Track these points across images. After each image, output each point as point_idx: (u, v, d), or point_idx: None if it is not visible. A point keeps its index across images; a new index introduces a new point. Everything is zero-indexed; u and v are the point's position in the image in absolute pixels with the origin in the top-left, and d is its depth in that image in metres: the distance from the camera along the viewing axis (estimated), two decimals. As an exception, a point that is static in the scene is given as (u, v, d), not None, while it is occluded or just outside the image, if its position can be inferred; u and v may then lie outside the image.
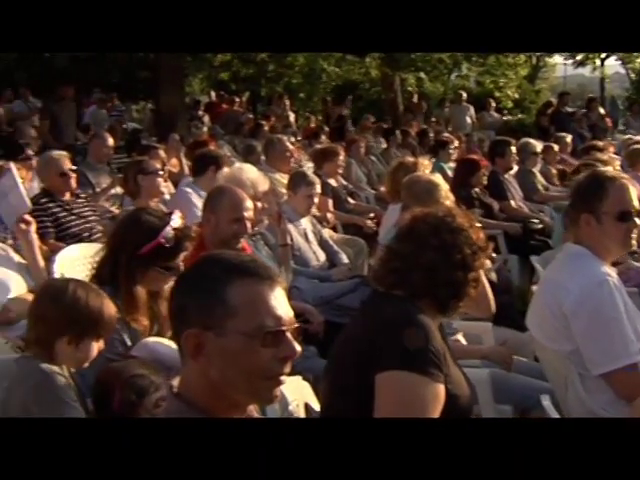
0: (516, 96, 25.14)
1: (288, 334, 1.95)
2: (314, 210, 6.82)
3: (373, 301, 3.00)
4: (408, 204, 4.95)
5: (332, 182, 8.95)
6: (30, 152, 8.44)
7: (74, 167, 6.48)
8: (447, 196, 4.99)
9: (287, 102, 19.54)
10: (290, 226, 6.06)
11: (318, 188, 6.67)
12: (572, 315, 3.45)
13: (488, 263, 3.01)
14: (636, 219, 3.58)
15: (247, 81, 24.91)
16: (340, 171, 9.36)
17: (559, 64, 37.00)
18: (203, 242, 4.34)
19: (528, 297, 4.60)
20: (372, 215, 8.82)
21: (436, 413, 2.60)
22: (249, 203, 4.57)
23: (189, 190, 6.79)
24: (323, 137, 13.54)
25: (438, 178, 5.37)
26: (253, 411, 2.11)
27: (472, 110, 19.09)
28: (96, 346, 3.01)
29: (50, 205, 6.09)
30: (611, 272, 3.55)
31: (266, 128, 13.01)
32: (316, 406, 3.29)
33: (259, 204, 5.16)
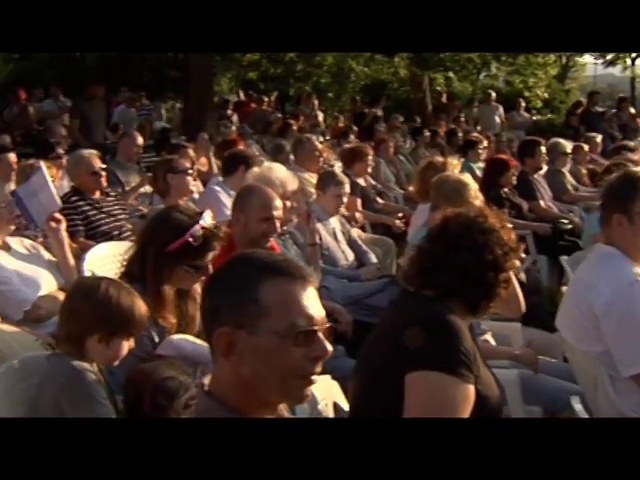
0: (546, 96, 25.02)
1: (320, 334, 1.95)
2: (343, 210, 6.81)
3: (403, 301, 3.00)
4: (437, 204, 4.95)
5: (361, 182, 8.93)
6: (60, 151, 8.51)
7: (104, 166, 6.51)
8: (476, 195, 4.97)
9: (315, 101, 19.50)
10: (319, 225, 6.06)
11: (347, 188, 6.66)
12: (602, 316, 3.43)
13: (518, 263, 2.99)
14: (669, 219, 3.54)
15: (276, 80, 24.94)
16: (369, 171, 9.36)
17: (589, 63, 36.68)
18: (232, 241, 4.33)
19: (557, 298, 4.58)
20: (401, 215, 8.80)
21: (466, 414, 2.59)
22: (278, 202, 4.57)
23: (218, 189, 6.80)
24: (352, 137, 13.50)
25: (467, 177, 5.36)
26: (283, 410, 2.11)
27: (501, 110, 19.03)
28: (126, 345, 3.02)
29: (80, 203, 6.11)
30: (642, 273, 3.53)
31: (294, 127, 12.99)
32: (345, 405, 3.29)
33: (288, 203, 5.17)
